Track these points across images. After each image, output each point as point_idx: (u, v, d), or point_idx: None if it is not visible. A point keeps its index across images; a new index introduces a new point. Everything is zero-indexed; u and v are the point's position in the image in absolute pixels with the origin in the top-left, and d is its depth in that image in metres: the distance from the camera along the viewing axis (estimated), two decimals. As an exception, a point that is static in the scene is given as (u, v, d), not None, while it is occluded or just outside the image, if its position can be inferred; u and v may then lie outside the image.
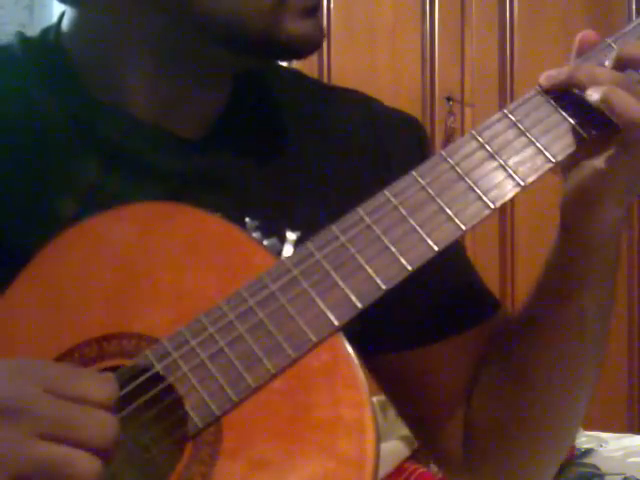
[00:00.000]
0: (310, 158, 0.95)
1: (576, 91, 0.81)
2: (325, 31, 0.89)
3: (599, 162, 0.81)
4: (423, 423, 1.00)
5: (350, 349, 0.77)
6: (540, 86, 0.82)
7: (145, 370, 0.77)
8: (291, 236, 0.90)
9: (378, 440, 0.75)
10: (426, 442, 1.02)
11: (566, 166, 0.84)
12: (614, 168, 0.80)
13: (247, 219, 0.90)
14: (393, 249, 0.79)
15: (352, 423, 0.75)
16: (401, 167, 0.83)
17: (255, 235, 0.89)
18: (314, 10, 0.87)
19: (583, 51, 0.84)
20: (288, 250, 0.89)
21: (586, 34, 0.84)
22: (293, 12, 0.85)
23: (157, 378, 0.77)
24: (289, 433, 0.75)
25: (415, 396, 0.99)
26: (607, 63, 0.81)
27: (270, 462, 0.74)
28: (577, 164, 0.83)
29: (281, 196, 0.93)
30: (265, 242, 0.89)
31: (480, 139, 0.81)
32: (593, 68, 0.81)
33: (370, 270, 0.78)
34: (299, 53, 0.88)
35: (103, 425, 0.70)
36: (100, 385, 0.72)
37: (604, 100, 0.78)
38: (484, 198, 0.80)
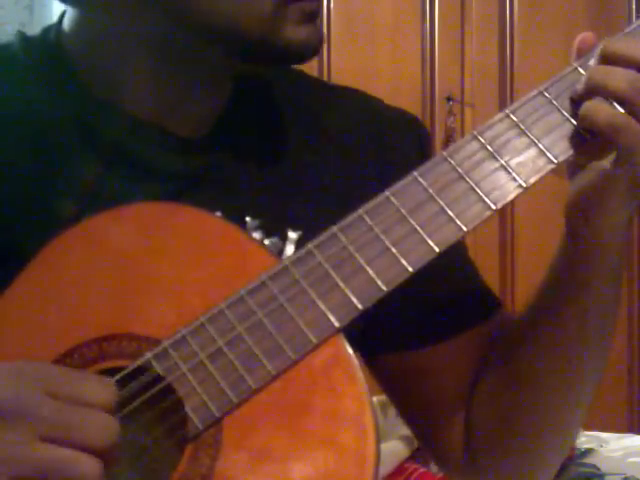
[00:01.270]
0: (311, 157, 0.95)
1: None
2: (324, 36, 0.89)
3: (606, 164, 0.80)
4: (424, 423, 1.00)
5: (350, 350, 0.78)
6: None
7: (146, 371, 0.77)
8: (292, 235, 0.90)
9: (378, 433, 0.75)
10: (427, 442, 1.02)
11: (573, 169, 0.83)
12: (620, 170, 0.80)
13: (248, 218, 0.89)
14: (394, 250, 0.78)
15: (353, 415, 0.75)
16: (402, 166, 0.83)
17: (256, 234, 0.89)
18: (313, 16, 0.87)
19: (582, 54, 0.84)
20: (290, 249, 0.89)
21: (584, 37, 0.84)
22: (292, 18, 0.85)
23: (158, 380, 0.77)
24: (290, 424, 0.75)
25: (416, 396, 0.99)
26: (592, 61, 0.81)
27: (271, 452, 0.74)
28: (584, 166, 0.82)
29: (282, 195, 0.92)
30: (266, 241, 0.89)
31: (482, 139, 0.81)
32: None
33: (371, 271, 0.78)
34: (297, 59, 0.88)
35: (104, 427, 0.70)
36: (100, 387, 0.72)
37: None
38: (485, 199, 0.79)
